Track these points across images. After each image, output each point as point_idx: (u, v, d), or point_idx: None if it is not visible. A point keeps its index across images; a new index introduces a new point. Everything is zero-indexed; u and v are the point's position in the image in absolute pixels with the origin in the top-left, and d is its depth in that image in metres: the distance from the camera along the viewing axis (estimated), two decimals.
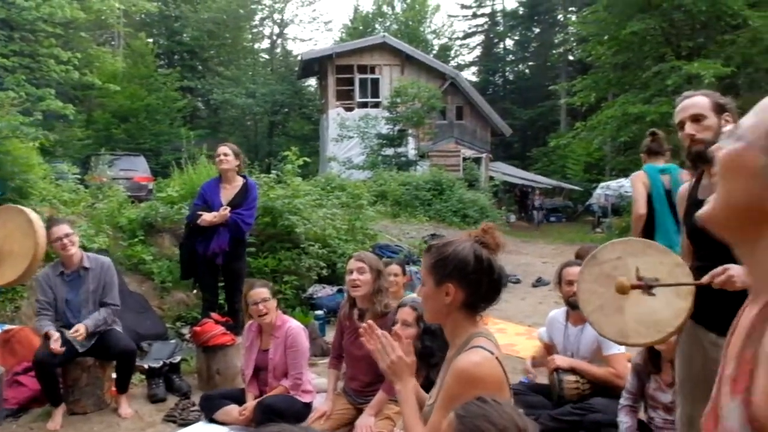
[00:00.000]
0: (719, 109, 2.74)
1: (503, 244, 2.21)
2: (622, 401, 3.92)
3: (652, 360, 3.80)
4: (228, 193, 5.98)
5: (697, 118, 2.73)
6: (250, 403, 4.27)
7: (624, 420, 3.85)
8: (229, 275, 6.06)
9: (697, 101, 2.79)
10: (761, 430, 0.86)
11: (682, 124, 2.79)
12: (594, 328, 2.80)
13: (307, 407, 4.29)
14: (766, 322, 0.91)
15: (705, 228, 2.78)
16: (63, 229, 4.84)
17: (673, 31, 18.82)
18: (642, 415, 4.01)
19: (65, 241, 4.79)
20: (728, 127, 0.84)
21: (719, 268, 2.44)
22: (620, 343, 3.22)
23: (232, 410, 4.35)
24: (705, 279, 2.47)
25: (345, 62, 28.34)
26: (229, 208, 5.78)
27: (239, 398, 4.44)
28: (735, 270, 2.39)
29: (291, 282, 7.74)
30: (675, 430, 3.78)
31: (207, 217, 5.75)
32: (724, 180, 0.96)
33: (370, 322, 2.21)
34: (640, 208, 4.99)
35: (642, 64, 19.18)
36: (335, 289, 7.93)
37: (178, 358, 5.61)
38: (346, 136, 24.68)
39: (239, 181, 6.06)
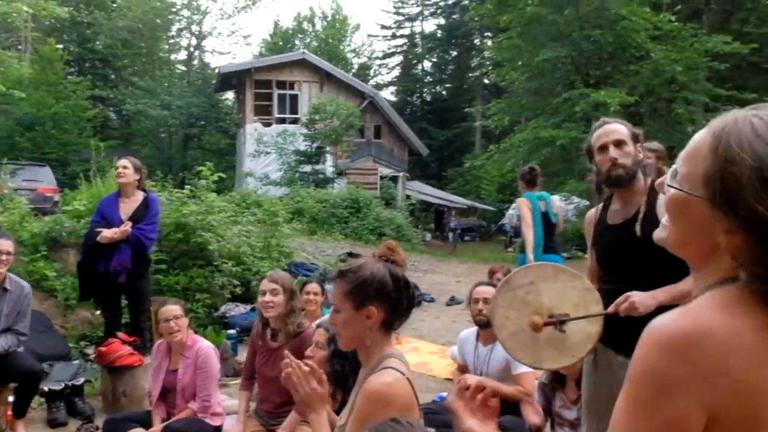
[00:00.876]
0: (635, 138, 2.85)
1: (406, 259, 2.26)
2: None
3: (556, 377, 3.93)
4: (128, 207, 5.76)
5: (619, 144, 2.81)
6: (157, 426, 4.13)
7: None
8: (132, 294, 5.85)
9: (619, 128, 2.86)
10: None
11: (604, 147, 2.83)
12: (509, 354, 2.85)
13: (217, 431, 4.19)
14: None
15: (612, 254, 2.88)
16: (7, 245, 4.66)
17: (583, 60, 19.65)
18: None
19: (3, 257, 4.61)
20: (674, 167, 1.11)
21: (621, 297, 2.55)
22: (534, 368, 3.30)
23: None
24: (610, 309, 2.57)
25: (264, 77, 28.16)
26: (130, 224, 5.59)
27: (145, 421, 4.28)
28: (636, 297, 2.51)
29: (203, 300, 7.57)
30: None
31: (107, 234, 5.52)
32: (675, 218, 1.14)
33: (291, 357, 2.17)
34: (530, 225, 6.51)
35: (553, 91, 19.92)
36: (249, 307, 7.80)
37: (81, 380, 5.38)
38: (264, 151, 24.46)
39: (139, 196, 5.85)
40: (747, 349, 1.00)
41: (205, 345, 4.30)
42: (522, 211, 6.67)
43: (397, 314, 2.15)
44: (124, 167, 5.78)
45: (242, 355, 6.05)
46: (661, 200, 1.25)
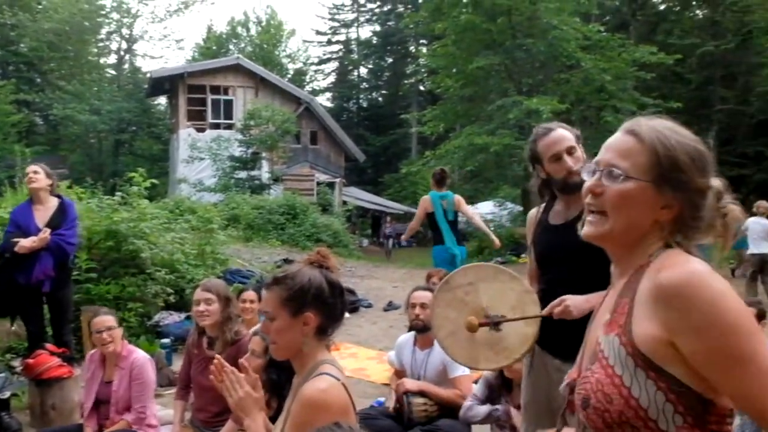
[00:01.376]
0: (578, 140, 2.86)
1: (337, 265, 2.28)
2: (466, 403, 4.05)
3: (503, 382, 3.99)
4: (43, 214, 5.56)
5: (571, 151, 2.79)
6: None
7: (477, 408, 3.98)
8: (55, 304, 5.64)
9: (566, 134, 2.83)
10: (637, 352, 1.27)
11: (557, 157, 2.79)
12: (447, 353, 2.87)
13: None
14: (635, 284, 1.34)
15: (552, 255, 2.92)
16: None
17: (516, 68, 20.07)
18: None
19: None
20: (587, 166, 1.45)
21: (557, 300, 2.59)
22: (470, 368, 3.33)
23: None
24: (545, 311, 2.61)
25: (197, 82, 27.75)
26: (48, 230, 5.40)
27: None
28: (571, 300, 2.54)
29: (136, 309, 7.38)
30: None
31: (25, 243, 5.30)
32: (621, 208, 1.37)
33: (220, 359, 2.15)
34: (415, 222, 8.22)
35: (487, 98, 20.29)
36: (183, 315, 7.66)
37: (7, 394, 5.16)
38: (198, 157, 24.04)
39: (54, 202, 5.66)
40: None
41: (140, 355, 4.21)
42: (419, 207, 7.95)
43: (332, 320, 2.15)
44: (35, 172, 5.60)
45: (177, 364, 5.93)
46: (589, 200, 1.41)
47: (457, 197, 7.78)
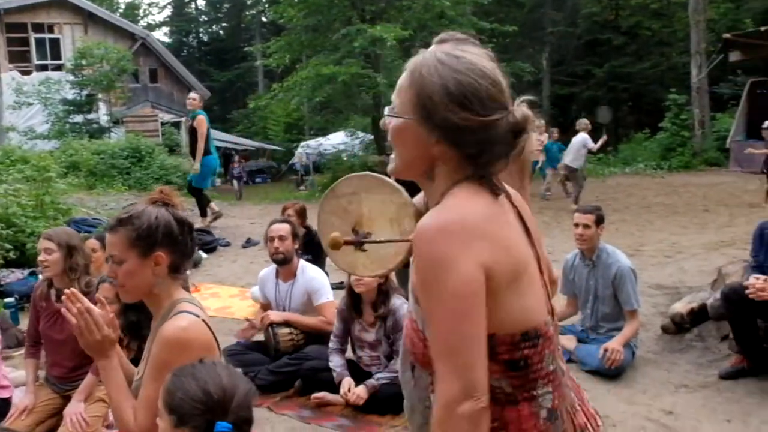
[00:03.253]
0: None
1: (181, 203, 2.23)
2: (331, 345, 4.21)
3: (354, 305, 4.13)
4: None
5: None
6: None
7: (335, 360, 4.15)
8: None
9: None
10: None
11: None
12: (330, 259, 2.93)
13: (6, 404, 3.88)
14: None
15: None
16: None
17: None
18: (351, 355, 4.33)
19: None
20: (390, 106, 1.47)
21: None
22: (351, 273, 3.45)
23: None
24: (412, 236, 2.70)
25: (16, 20, 25.36)
26: None
27: None
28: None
29: None
30: (381, 364, 4.17)
31: None
32: (398, 145, 1.45)
33: (74, 290, 2.03)
34: (204, 136, 9.87)
35: (331, 27, 20.01)
36: (27, 272, 7.21)
37: None
38: (25, 102, 22.22)
39: None
40: (492, 219, 1.35)
41: None
42: (201, 126, 9.78)
43: (184, 257, 2.12)
44: None
45: (24, 323, 5.60)
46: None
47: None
